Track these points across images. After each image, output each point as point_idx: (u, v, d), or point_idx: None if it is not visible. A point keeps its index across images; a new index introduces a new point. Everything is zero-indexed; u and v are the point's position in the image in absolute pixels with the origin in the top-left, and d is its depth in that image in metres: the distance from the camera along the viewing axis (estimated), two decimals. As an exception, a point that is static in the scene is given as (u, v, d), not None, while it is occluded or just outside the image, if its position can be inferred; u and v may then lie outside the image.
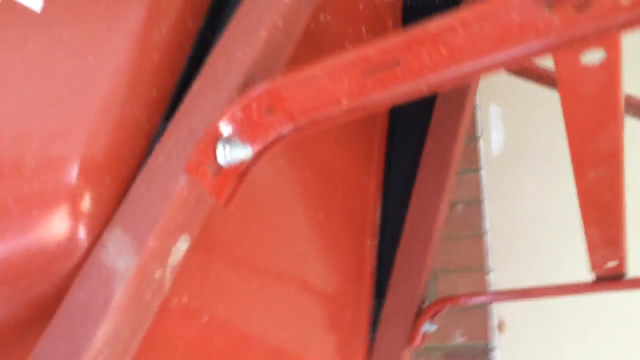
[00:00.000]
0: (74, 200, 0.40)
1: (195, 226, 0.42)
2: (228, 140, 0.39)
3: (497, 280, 1.30)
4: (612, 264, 0.63)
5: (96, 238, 0.40)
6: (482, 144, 1.41)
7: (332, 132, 0.72)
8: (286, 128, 0.40)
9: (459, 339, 1.28)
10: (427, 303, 0.81)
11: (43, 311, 0.42)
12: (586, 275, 0.66)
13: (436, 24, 0.32)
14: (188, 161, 0.39)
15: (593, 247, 0.58)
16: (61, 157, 0.40)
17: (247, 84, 0.41)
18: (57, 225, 0.40)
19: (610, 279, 0.66)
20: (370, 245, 0.82)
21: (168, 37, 0.47)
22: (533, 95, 1.14)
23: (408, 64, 0.34)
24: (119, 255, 0.38)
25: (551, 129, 1.30)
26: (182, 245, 0.40)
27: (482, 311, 1.29)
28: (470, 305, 1.28)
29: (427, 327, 0.79)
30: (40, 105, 0.41)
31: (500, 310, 1.28)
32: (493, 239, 1.35)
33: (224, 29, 0.46)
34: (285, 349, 0.63)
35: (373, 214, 0.85)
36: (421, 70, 0.35)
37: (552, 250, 1.28)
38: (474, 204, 1.37)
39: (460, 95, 0.87)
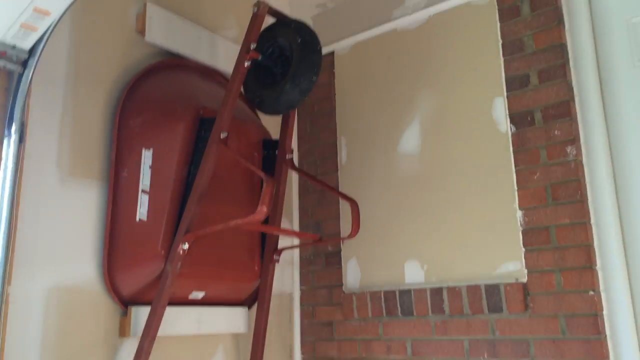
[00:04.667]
0: (161, 250, 2.06)
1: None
2: (183, 242, 2.01)
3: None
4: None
5: (166, 259, 2.06)
6: (338, 158, 2.91)
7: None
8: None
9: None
10: (278, 247, 2.43)
11: (155, 283, 2.09)
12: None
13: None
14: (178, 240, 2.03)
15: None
16: (157, 242, 2.06)
17: (188, 228, 2.03)
18: (157, 257, 2.06)
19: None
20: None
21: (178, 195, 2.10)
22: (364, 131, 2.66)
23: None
24: (169, 264, 2.04)
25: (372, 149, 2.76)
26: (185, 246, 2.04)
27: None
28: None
29: (276, 257, 2.42)
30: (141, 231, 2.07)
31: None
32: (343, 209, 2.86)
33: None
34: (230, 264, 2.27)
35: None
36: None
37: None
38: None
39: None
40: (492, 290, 2.24)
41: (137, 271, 2.08)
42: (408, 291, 2.47)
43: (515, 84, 2.34)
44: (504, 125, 2.35)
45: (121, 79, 2.24)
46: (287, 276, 2.89)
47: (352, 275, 2.72)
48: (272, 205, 2.40)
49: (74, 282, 1.99)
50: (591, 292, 2.04)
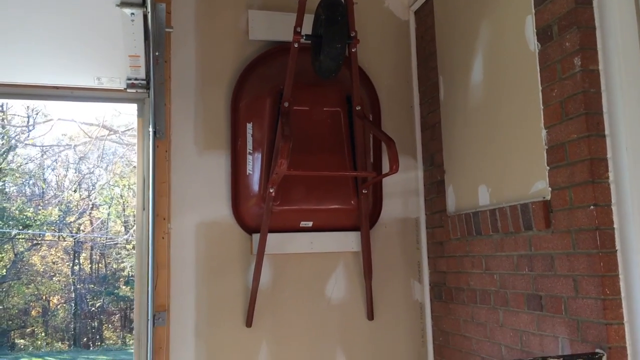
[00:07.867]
0: (262, 193, 2.89)
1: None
2: (270, 187, 2.79)
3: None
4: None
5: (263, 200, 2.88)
6: (440, 96, 3.14)
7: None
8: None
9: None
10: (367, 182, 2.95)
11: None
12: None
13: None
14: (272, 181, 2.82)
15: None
16: (258, 188, 2.91)
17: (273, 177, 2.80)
18: (258, 199, 2.90)
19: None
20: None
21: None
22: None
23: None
24: (265, 203, 2.85)
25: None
26: (271, 189, 2.84)
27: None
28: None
29: (364, 191, 2.95)
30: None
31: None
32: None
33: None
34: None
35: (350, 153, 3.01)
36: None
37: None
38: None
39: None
40: (525, 209, 2.33)
41: (251, 209, 2.98)
42: (477, 213, 2.70)
43: (540, -1, 2.29)
44: (533, 44, 2.33)
45: (235, 73, 3.11)
46: (412, 204, 3.35)
47: (450, 201, 3.02)
48: (349, 151, 2.95)
49: (214, 218, 3.02)
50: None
